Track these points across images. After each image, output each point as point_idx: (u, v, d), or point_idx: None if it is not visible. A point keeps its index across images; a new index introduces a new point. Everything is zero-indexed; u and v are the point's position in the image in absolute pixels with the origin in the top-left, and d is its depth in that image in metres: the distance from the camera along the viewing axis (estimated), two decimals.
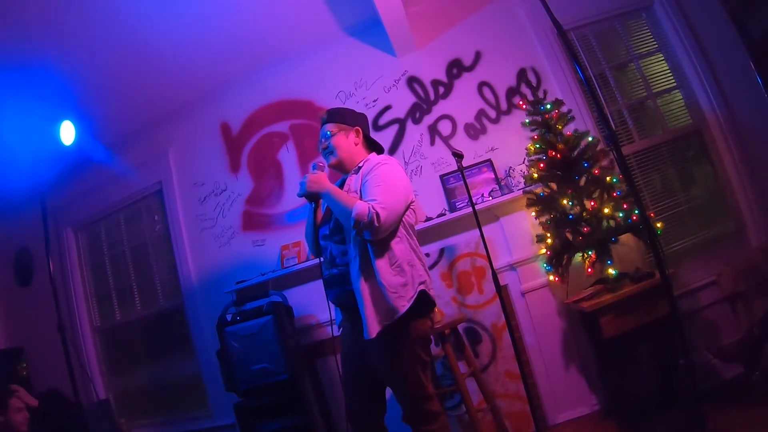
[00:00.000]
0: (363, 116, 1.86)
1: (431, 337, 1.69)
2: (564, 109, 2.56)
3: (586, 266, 2.37)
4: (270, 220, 3.20)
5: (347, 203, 1.52)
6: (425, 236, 2.73)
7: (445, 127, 2.97)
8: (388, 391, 1.65)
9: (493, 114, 2.92)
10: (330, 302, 1.72)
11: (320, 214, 1.74)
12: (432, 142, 2.97)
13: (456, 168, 2.44)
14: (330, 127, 1.75)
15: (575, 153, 2.45)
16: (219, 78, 3.25)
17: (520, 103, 2.80)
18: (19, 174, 2.91)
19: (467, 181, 2.16)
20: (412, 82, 3.05)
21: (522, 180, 2.69)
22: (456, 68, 3.00)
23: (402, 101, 3.04)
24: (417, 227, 2.65)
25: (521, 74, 2.92)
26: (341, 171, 1.78)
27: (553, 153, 2.43)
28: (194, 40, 2.76)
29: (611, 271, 2.30)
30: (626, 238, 2.38)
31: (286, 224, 3.14)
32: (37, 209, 2.55)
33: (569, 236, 2.38)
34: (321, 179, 1.60)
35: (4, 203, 3.58)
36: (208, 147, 3.39)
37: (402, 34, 2.84)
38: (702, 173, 2.83)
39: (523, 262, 2.60)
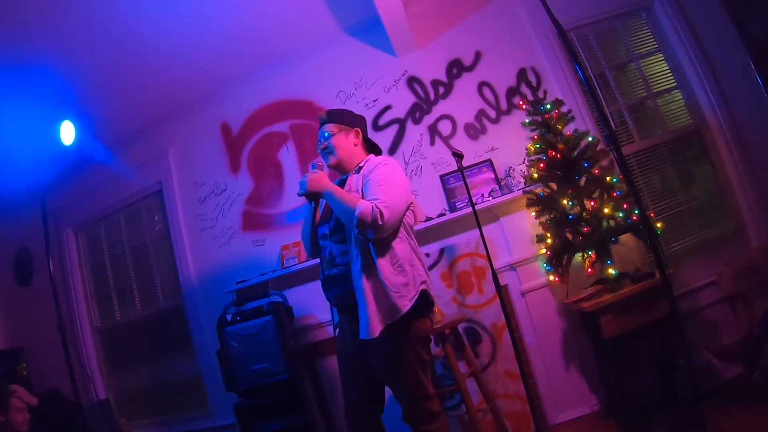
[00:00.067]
0: (362, 118, 1.86)
1: (431, 336, 1.69)
2: (564, 109, 2.56)
3: (586, 266, 2.37)
4: (270, 220, 3.20)
5: (349, 202, 1.52)
6: (425, 236, 2.73)
7: (445, 127, 2.97)
8: (388, 391, 1.65)
9: (493, 114, 2.92)
10: (329, 303, 1.72)
11: (318, 213, 1.74)
12: (432, 142, 2.97)
13: (456, 168, 2.44)
14: (330, 128, 1.76)
15: (575, 153, 2.45)
16: (219, 78, 3.25)
17: (520, 103, 2.80)
18: (19, 174, 2.92)
19: (467, 181, 2.16)
20: (412, 82, 3.05)
21: (522, 180, 2.69)
22: (456, 68, 3.00)
23: (402, 101, 3.04)
24: (417, 227, 2.66)
25: (521, 74, 2.92)
26: (340, 171, 1.78)
27: (553, 153, 2.43)
28: (194, 40, 2.76)
29: (611, 271, 2.30)
30: (626, 238, 2.38)
31: (286, 224, 3.15)
32: (37, 209, 2.55)
33: (569, 236, 2.38)
34: (321, 178, 1.60)
35: (4, 203, 3.58)
36: (208, 147, 3.39)
37: (402, 34, 2.84)
38: (702, 173, 2.83)
39: (523, 262, 2.60)
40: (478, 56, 2.98)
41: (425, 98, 3.02)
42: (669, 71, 2.90)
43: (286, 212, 3.16)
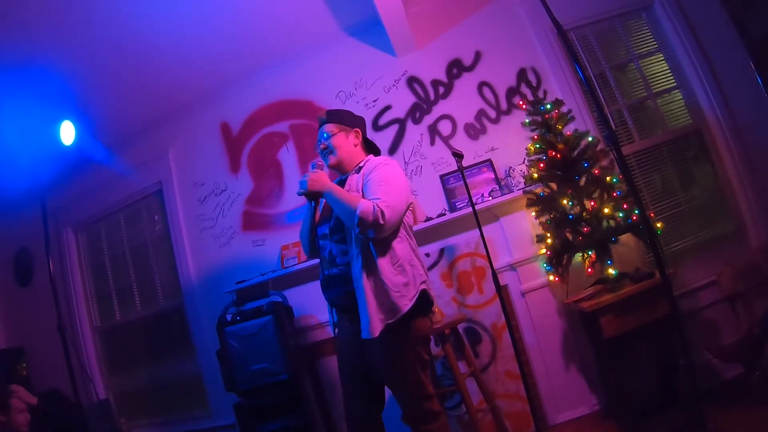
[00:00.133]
0: (361, 119, 1.87)
1: (431, 336, 1.69)
2: (564, 109, 2.56)
3: (586, 266, 2.37)
4: (270, 220, 3.20)
5: (350, 202, 1.52)
6: (425, 236, 2.73)
7: (445, 127, 2.97)
8: (388, 390, 1.65)
9: (493, 114, 2.92)
10: (328, 303, 1.71)
11: (318, 213, 1.74)
12: (432, 142, 2.97)
13: (456, 168, 2.44)
14: (330, 128, 1.76)
15: (575, 153, 2.45)
16: (219, 78, 3.25)
17: (520, 103, 2.80)
18: (19, 174, 2.92)
19: (467, 181, 2.16)
20: (412, 82, 3.05)
21: (522, 180, 2.69)
22: (456, 68, 3.00)
23: (402, 101, 3.04)
24: (417, 227, 2.67)
25: (521, 74, 2.92)
26: (339, 171, 1.78)
27: (553, 153, 2.43)
28: (194, 40, 2.76)
29: (611, 271, 2.30)
30: (626, 238, 2.38)
31: (286, 224, 3.15)
32: (37, 209, 2.55)
33: (569, 236, 2.38)
34: (322, 178, 1.60)
35: (4, 203, 3.58)
36: (208, 147, 3.39)
37: (402, 34, 2.84)
38: (702, 173, 2.83)
39: (523, 262, 2.60)
40: (478, 56, 2.98)
41: (425, 98, 3.02)
42: (669, 71, 2.90)
43: (286, 212, 3.16)
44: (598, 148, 2.46)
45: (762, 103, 2.64)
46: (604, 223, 2.33)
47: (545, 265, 2.48)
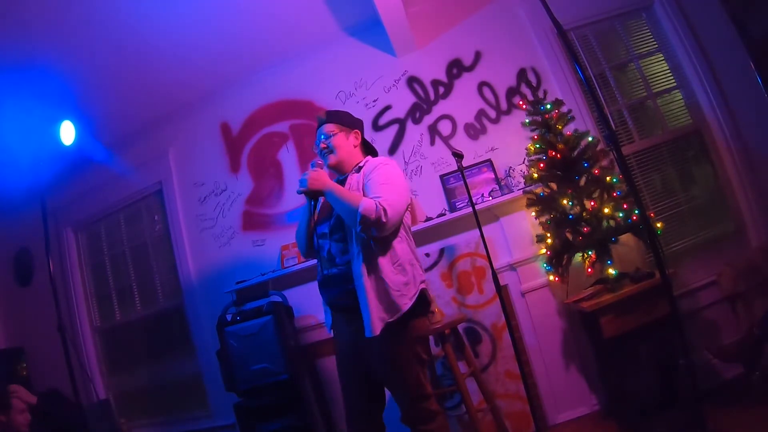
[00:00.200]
0: (360, 121, 1.88)
1: (430, 336, 1.70)
2: (564, 109, 2.56)
3: (586, 266, 2.37)
4: (270, 220, 3.20)
5: (352, 200, 1.52)
6: (425, 236, 2.73)
7: (445, 127, 2.97)
8: (388, 391, 1.65)
9: (493, 114, 2.92)
10: (326, 303, 1.70)
11: (316, 213, 1.74)
12: (432, 142, 2.97)
13: (456, 168, 2.44)
14: (330, 128, 1.76)
15: (575, 153, 2.45)
16: (219, 78, 3.25)
17: (520, 103, 2.80)
18: (19, 174, 2.92)
19: (467, 181, 2.16)
20: (412, 82, 3.05)
21: (522, 180, 2.69)
22: (456, 68, 3.00)
23: (402, 101, 3.04)
24: (417, 227, 2.67)
25: (521, 74, 2.92)
26: (338, 171, 1.77)
27: (553, 153, 2.43)
28: (194, 40, 2.76)
29: (611, 271, 2.30)
30: (626, 238, 2.38)
31: (286, 224, 3.14)
32: (37, 209, 2.55)
33: (569, 236, 2.38)
34: (323, 176, 1.60)
35: (4, 203, 3.58)
36: (208, 147, 3.39)
37: (402, 34, 2.84)
38: (702, 173, 2.83)
39: (523, 262, 2.60)
40: (478, 56, 2.98)
41: (425, 98, 3.02)
42: (669, 71, 2.90)
43: (286, 212, 3.16)
44: (598, 148, 2.46)
45: (762, 103, 2.64)
46: (604, 223, 2.33)
47: (545, 265, 2.48)
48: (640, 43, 2.95)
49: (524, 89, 2.89)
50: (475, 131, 2.93)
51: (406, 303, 1.53)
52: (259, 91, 3.31)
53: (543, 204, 2.46)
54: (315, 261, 2.41)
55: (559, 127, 2.50)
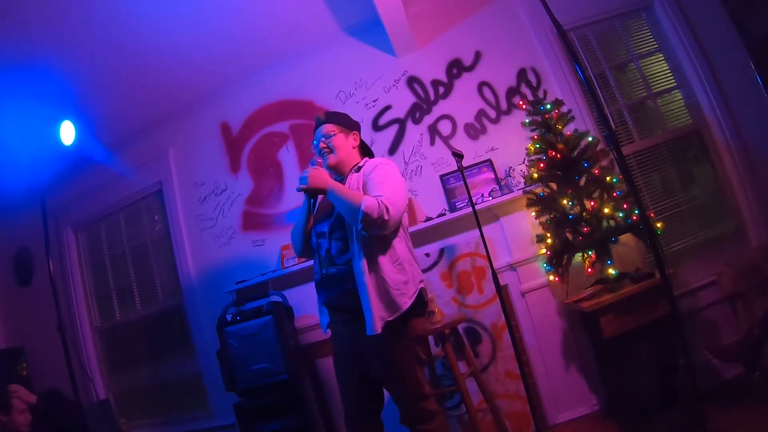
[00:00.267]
0: (358, 123, 1.89)
1: (428, 336, 1.70)
2: (564, 109, 2.56)
3: (586, 266, 2.37)
4: (270, 220, 3.20)
5: (354, 198, 1.51)
6: (425, 236, 2.73)
7: (445, 127, 2.97)
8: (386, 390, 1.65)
9: (493, 114, 2.92)
10: (323, 303, 1.69)
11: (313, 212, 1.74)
12: (432, 142, 2.97)
13: (456, 168, 2.44)
14: (330, 128, 1.77)
15: (575, 153, 2.45)
16: (219, 78, 3.25)
17: (520, 103, 2.80)
18: (19, 174, 2.92)
19: (467, 181, 2.16)
20: (412, 82, 3.05)
21: (522, 180, 2.69)
22: (456, 68, 3.00)
23: (402, 101, 3.04)
24: (417, 227, 2.67)
25: (521, 74, 2.92)
26: (337, 172, 1.76)
27: (553, 153, 2.43)
28: (194, 41, 2.76)
29: (611, 271, 2.30)
30: (626, 238, 2.38)
31: (286, 224, 3.14)
32: (37, 209, 2.55)
33: (569, 236, 2.38)
34: (324, 175, 1.60)
35: (4, 203, 3.58)
36: (208, 147, 3.39)
37: (402, 34, 2.84)
38: (702, 173, 2.83)
39: (523, 262, 2.60)
40: (478, 56, 2.98)
41: (425, 98, 3.02)
42: (669, 71, 2.90)
43: (286, 212, 3.16)
44: (598, 148, 2.46)
45: (762, 103, 2.64)
46: (604, 223, 2.33)
47: (545, 265, 2.48)
48: (640, 43, 2.95)
49: (524, 89, 2.89)
50: (475, 131, 2.93)
51: (405, 302, 1.53)
52: (259, 91, 3.31)
53: (543, 204, 2.46)
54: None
55: (559, 127, 2.50)
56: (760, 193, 2.62)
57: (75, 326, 3.55)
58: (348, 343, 1.62)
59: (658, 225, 2.33)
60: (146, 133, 3.53)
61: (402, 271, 1.57)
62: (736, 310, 2.34)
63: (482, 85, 2.95)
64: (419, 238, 2.71)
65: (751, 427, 1.87)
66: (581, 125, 2.71)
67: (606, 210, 2.31)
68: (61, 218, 3.69)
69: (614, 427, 2.25)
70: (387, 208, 1.48)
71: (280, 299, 2.76)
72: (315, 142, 1.78)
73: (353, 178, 1.68)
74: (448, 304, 2.64)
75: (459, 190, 2.82)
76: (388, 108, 3.06)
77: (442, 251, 2.72)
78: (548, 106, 2.54)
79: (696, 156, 2.84)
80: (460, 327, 2.51)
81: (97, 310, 3.69)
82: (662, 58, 2.92)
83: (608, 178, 2.34)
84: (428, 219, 2.73)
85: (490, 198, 2.65)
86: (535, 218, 2.56)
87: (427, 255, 2.72)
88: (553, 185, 2.46)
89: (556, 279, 2.45)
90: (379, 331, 1.48)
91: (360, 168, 1.71)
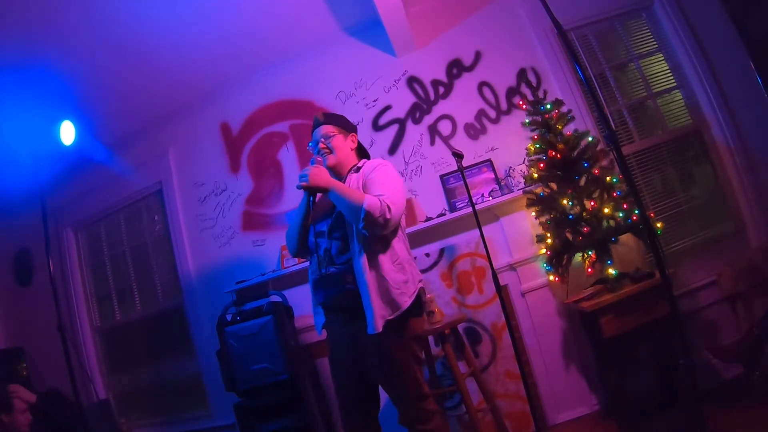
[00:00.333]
0: (355, 126, 1.90)
1: (427, 336, 1.70)
2: (564, 109, 2.56)
3: (586, 266, 2.37)
4: (270, 220, 3.20)
5: (355, 197, 1.51)
6: (425, 236, 2.73)
7: (445, 127, 2.97)
8: (383, 390, 1.65)
9: (493, 114, 2.92)
10: (320, 303, 1.68)
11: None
12: (432, 142, 2.97)
13: (456, 168, 2.44)
14: (329, 129, 1.77)
15: (575, 153, 2.44)
16: (219, 78, 3.25)
17: (520, 103, 2.80)
18: (19, 174, 2.91)
19: (467, 181, 2.16)
20: (412, 82, 3.05)
21: (522, 180, 2.69)
22: (456, 68, 3.00)
23: (402, 101, 3.04)
24: (417, 227, 2.67)
25: (521, 74, 2.92)
26: (335, 173, 1.74)
27: (553, 153, 2.43)
28: (194, 41, 2.76)
29: (611, 271, 2.30)
30: (626, 238, 2.38)
31: (286, 224, 3.13)
32: (37, 209, 2.55)
33: (569, 236, 2.38)
34: (324, 173, 1.60)
35: (4, 203, 3.58)
36: (208, 147, 3.39)
37: (402, 34, 2.84)
38: (702, 173, 2.83)
39: (523, 262, 2.60)
40: (478, 56, 2.98)
41: (425, 98, 3.02)
42: (669, 71, 2.90)
43: (286, 212, 3.16)
44: (598, 148, 2.46)
45: (762, 103, 2.64)
46: (604, 223, 2.33)
47: (545, 265, 2.48)
48: (640, 43, 2.95)
49: (524, 89, 2.89)
50: (475, 131, 2.93)
51: (406, 301, 1.54)
52: (259, 91, 3.31)
53: (543, 204, 2.46)
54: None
55: (559, 127, 2.50)
56: (760, 193, 2.62)
57: (75, 326, 3.55)
58: (347, 343, 1.62)
59: (658, 225, 2.33)
60: (146, 133, 3.53)
61: (402, 270, 1.58)
62: (736, 310, 2.34)
63: (482, 85, 2.95)
64: (419, 238, 2.72)
65: (751, 427, 1.87)
66: (581, 125, 2.70)
67: (606, 210, 2.31)
68: (61, 218, 3.69)
69: (614, 427, 2.25)
70: (389, 207, 1.49)
71: (280, 299, 2.76)
72: (312, 143, 1.79)
73: (353, 179, 1.68)
74: (448, 304, 2.64)
75: (459, 190, 2.82)
76: (388, 108, 3.06)
77: (442, 251, 2.72)
78: (548, 106, 2.54)
79: (696, 156, 2.84)
80: (460, 327, 2.51)
81: (97, 310, 3.69)
82: (662, 58, 2.92)
83: (608, 178, 2.34)
84: (428, 219, 2.73)
85: (490, 198, 2.65)
86: (535, 218, 2.55)
87: (427, 255, 2.72)
88: (553, 185, 2.46)
89: (556, 279, 2.45)
90: (380, 329, 1.48)
91: (359, 168, 1.71)
